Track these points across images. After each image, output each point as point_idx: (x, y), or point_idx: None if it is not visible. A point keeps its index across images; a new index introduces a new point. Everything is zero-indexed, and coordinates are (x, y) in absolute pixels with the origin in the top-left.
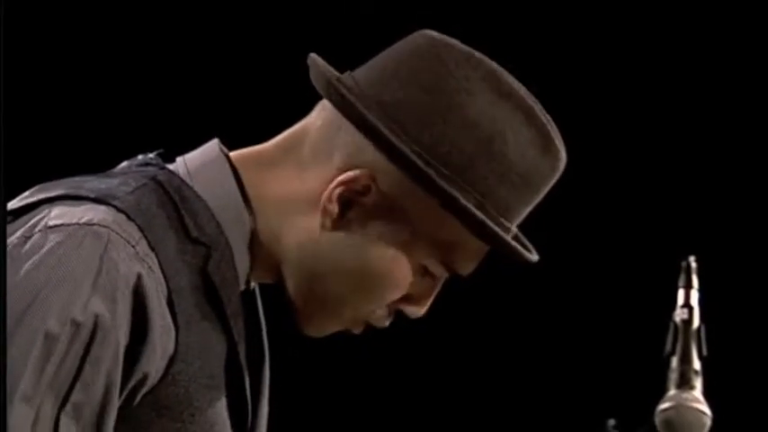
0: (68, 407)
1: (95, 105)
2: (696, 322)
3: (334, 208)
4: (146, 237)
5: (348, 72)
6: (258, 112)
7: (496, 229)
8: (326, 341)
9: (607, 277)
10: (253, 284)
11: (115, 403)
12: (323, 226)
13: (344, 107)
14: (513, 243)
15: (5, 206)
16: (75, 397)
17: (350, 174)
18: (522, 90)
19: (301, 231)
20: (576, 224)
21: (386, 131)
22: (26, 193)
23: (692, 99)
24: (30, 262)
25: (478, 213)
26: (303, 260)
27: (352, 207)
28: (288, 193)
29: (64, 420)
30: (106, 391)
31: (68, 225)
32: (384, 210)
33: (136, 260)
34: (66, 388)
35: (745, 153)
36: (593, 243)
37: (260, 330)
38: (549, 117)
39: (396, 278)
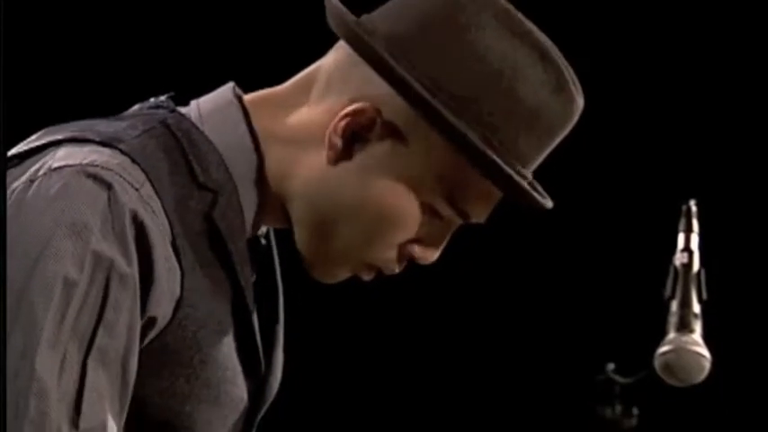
0: (94, 351)
1: (111, 47)
2: (696, 266)
3: (339, 140)
4: (150, 180)
5: (365, 15)
6: (276, 55)
7: (503, 164)
8: (340, 290)
9: (607, 221)
10: (264, 229)
11: (137, 345)
12: (329, 160)
13: (353, 39)
14: (519, 179)
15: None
16: (99, 341)
17: (355, 106)
18: (538, 32)
19: (307, 167)
20: (577, 168)
21: (393, 62)
22: (33, 137)
23: (693, 42)
24: (36, 207)
25: (481, 145)
26: (309, 197)
27: (358, 140)
28: (295, 132)
29: (91, 365)
30: (129, 333)
31: (72, 166)
32: (389, 144)
33: (140, 203)
34: (90, 333)
35: (745, 96)
36: (594, 186)
37: (274, 278)
38: (566, 62)
39: (401, 215)
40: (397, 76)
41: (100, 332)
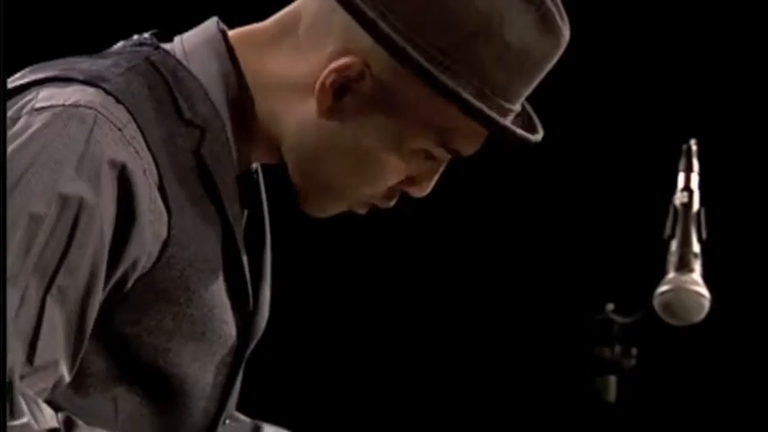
0: (54, 289)
1: None
2: (696, 205)
3: (328, 96)
4: (135, 119)
5: None
6: None
7: (493, 114)
8: (330, 225)
9: (607, 160)
10: (254, 165)
11: (100, 287)
12: (319, 112)
13: None
14: (511, 126)
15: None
16: (60, 280)
17: (342, 61)
18: None
19: (298, 115)
20: (577, 107)
21: (373, 15)
22: (17, 75)
23: None
24: (15, 144)
25: (473, 100)
26: (301, 144)
27: (347, 94)
28: (285, 76)
29: (49, 303)
30: (91, 275)
31: (55, 107)
32: (379, 96)
33: (122, 144)
34: (52, 271)
35: (746, 35)
36: (595, 126)
37: (261, 213)
38: None
39: (392, 164)
40: (378, 32)
41: (62, 271)
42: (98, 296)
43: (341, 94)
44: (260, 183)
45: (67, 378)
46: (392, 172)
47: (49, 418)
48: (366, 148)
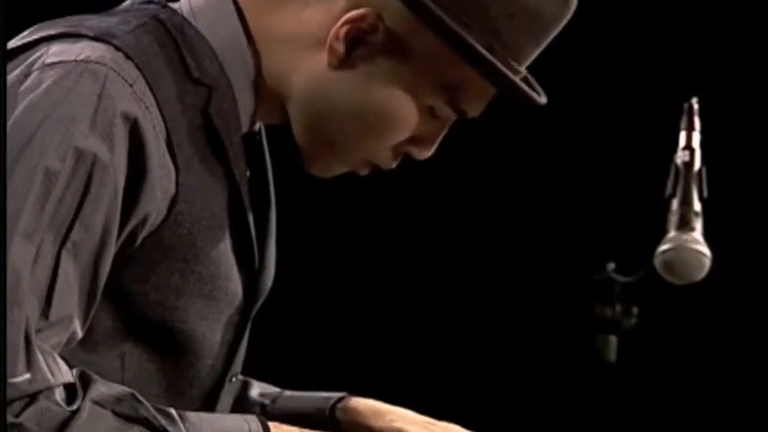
0: (68, 244)
1: None
2: (697, 164)
3: (341, 46)
4: (144, 76)
5: None
6: None
7: (505, 69)
8: (335, 185)
9: (609, 119)
10: (258, 125)
11: (113, 243)
12: (330, 64)
13: None
14: (522, 85)
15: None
16: (74, 235)
17: (357, 12)
18: None
19: (308, 70)
20: (579, 66)
21: None
22: (25, 33)
23: None
24: (27, 100)
25: (487, 54)
26: (309, 98)
27: (359, 46)
28: (293, 32)
29: (64, 257)
30: (105, 231)
31: (66, 62)
32: (391, 49)
33: (133, 100)
34: (67, 226)
35: None
36: (596, 85)
37: (266, 172)
38: None
39: (401, 118)
40: None
41: (76, 226)
42: (111, 252)
43: (354, 46)
44: (263, 142)
45: (80, 334)
46: (399, 127)
47: (65, 372)
48: (375, 101)
